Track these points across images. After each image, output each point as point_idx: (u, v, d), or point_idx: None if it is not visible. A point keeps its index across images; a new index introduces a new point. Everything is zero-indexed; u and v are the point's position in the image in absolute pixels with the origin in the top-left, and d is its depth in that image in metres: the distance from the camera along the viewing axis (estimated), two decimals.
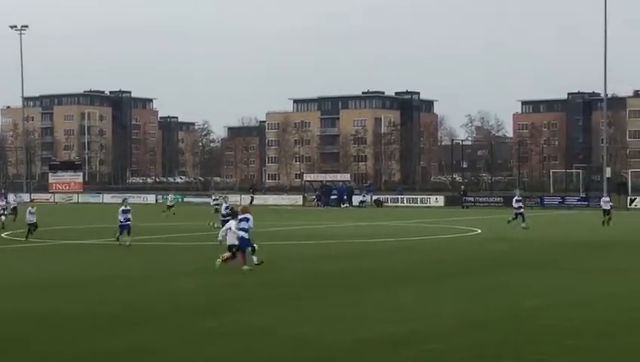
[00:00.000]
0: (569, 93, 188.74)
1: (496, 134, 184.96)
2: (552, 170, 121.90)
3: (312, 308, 19.52)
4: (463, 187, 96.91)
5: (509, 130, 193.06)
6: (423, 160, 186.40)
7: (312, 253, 33.88)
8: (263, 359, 14.42)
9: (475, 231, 47.34)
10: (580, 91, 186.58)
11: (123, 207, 36.82)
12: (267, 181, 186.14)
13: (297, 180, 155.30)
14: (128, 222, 36.02)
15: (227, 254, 26.70)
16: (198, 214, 63.38)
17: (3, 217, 49.68)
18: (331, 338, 15.93)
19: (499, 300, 20.60)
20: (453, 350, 14.84)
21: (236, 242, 26.53)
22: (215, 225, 42.81)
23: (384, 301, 20.63)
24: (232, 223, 27.13)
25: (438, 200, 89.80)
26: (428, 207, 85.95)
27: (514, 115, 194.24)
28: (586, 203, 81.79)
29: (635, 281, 24.83)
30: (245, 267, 25.95)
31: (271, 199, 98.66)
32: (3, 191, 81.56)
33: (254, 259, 26.53)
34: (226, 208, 41.69)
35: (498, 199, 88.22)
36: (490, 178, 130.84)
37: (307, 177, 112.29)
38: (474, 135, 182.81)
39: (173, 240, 40.37)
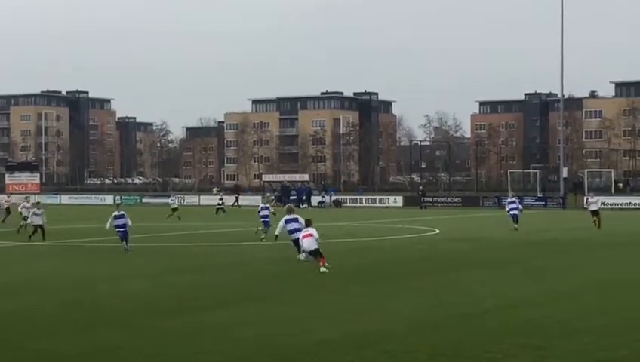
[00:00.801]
0: (526, 94, 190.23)
1: (455, 135, 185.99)
2: (509, 170, 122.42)
3: (272, 309, 19.57)
4: (421, 187, 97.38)
5: (467, 131, 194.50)
6: (382, 160, 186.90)
7: (271, 254, 33.89)
8: (224, 359, 14.46)
9: (433, 231, 47.59)
10: (537, 92, 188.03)
11: (116, 212, 34.01)
12: (226, 181, 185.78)
13: (256, 181, 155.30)
14: (124, 229, 33.50)
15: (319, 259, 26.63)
16: (157, 214, 63.15)
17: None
18: (291, 338, 16.00)
19: (456, 300, 20.74)
20: (410, 350, 14.95)
21: (316, 246, 26.52)
22: (259, 228, 39.79)
23: (343, 301, 20.72)
24: (311, 230, 26.98)
25: (396, 200, 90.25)
26: (386, 207, 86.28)
27: (472, 115, 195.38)
28: (543, 203, 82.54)
29: (592, 280, 25.10)
30: (322, 268, 26.12)
31: (230, 200, 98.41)
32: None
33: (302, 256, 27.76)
34: (264, 208, 40.18)
35: (456, 199, 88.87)
36: (448, 178, 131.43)
37: (266, 178, 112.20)
38: (432, 135, 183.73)
39: (136, 242, 40.12)
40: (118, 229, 33.66)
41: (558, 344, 15.39)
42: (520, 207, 48.78)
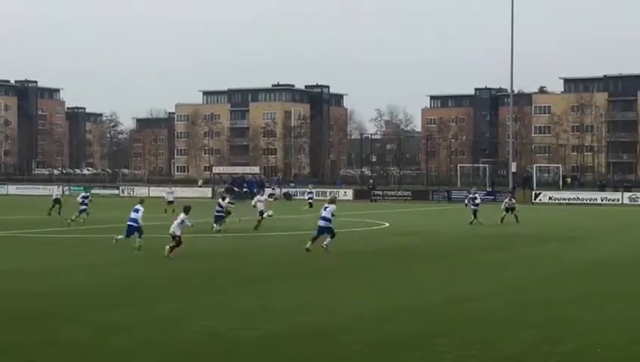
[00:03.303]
0: (476, 89, 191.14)
1: (405, 128, 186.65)
2: (459, 165, 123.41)
3: (221, 301, 19.47)
4: (371, 181, 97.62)
5: (417, 125, 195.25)
6: (333, 153, 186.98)
7: (221, 246, 33.80)
8: (169, 351, 14.34)
9: (383, 224, 47.68)
10: (487, 87, 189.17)
11: (138, 206, 31.08)
12: (176, 173, 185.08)
13: (207, 172, 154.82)
14: (135, 224, 30.40)
15: None
16: (109, 206, 62.68)
17: (83, 214, 45.67)
18: (239, 331, 15.92)
19: (405, 293, 20.81)
20: (359, 342, 14.94)
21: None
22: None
23: (293, 294, 20.68)
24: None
25: (346, 193, 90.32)
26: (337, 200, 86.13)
27: (422, 109, 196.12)
28: (492, 197, 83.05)
29: (538, 274, 25.30)
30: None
31: (179, 191, 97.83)
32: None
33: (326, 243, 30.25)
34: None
35: (406, 193, 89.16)
36: (398, 172, 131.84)
37: (216, 170, 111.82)
38: (383, 129, 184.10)
39: (89, 233, 39.77)
40: (129, 223, 30.79)
41: (504, 337, 15.48)
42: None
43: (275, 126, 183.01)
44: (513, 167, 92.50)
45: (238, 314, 17.78)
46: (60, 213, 49.28)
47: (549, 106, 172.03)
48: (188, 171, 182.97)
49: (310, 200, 64.28)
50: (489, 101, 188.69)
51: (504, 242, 36.63)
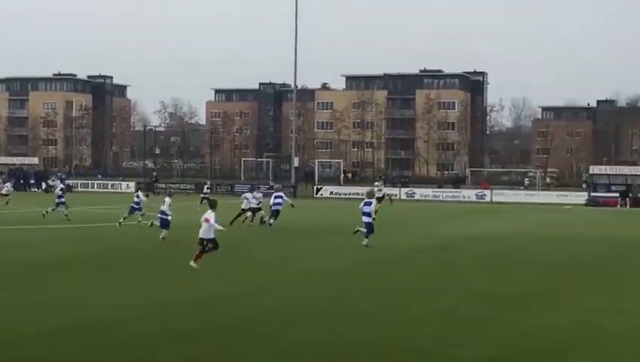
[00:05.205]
0: (261, 84, 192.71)
1: (190, 121, 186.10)
2: (243, 159, 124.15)
3: None
4: (154, 173, 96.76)
5: (202, 118, 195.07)
6: (115, 145, 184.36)
7: (8, 238, 32.71)
8: None
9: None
10: (272, 82, 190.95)
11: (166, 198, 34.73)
12: None
13: None
14: (162, 216, 33.72)
15: None
16: None
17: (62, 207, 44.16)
18: (13, 326, 15.38)
19: (185, 287, 20.64)
20: (138, 337, 14.72)
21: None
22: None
23: (67, 289, 20.16)
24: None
25: (129, 186, 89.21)
26: (118, 192, 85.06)
27: (207, 102, 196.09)
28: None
29: (319, 268, 25.68)
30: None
31: None
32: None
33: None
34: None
35: (190, 186, 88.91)
36: (182, 165, 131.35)
37: None
38: (167, 121, 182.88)
39: None
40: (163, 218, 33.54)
41: (287, 330, 15.61)
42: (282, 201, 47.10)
43: (56, 116, 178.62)
44: (296, 162, 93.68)
45: (12, 307, 17.21)
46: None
47: (332, 102, 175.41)
48: None
49: (205, 196, 60.34)
50: (273, 96, 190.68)
51: (284, 236, 36.90)
